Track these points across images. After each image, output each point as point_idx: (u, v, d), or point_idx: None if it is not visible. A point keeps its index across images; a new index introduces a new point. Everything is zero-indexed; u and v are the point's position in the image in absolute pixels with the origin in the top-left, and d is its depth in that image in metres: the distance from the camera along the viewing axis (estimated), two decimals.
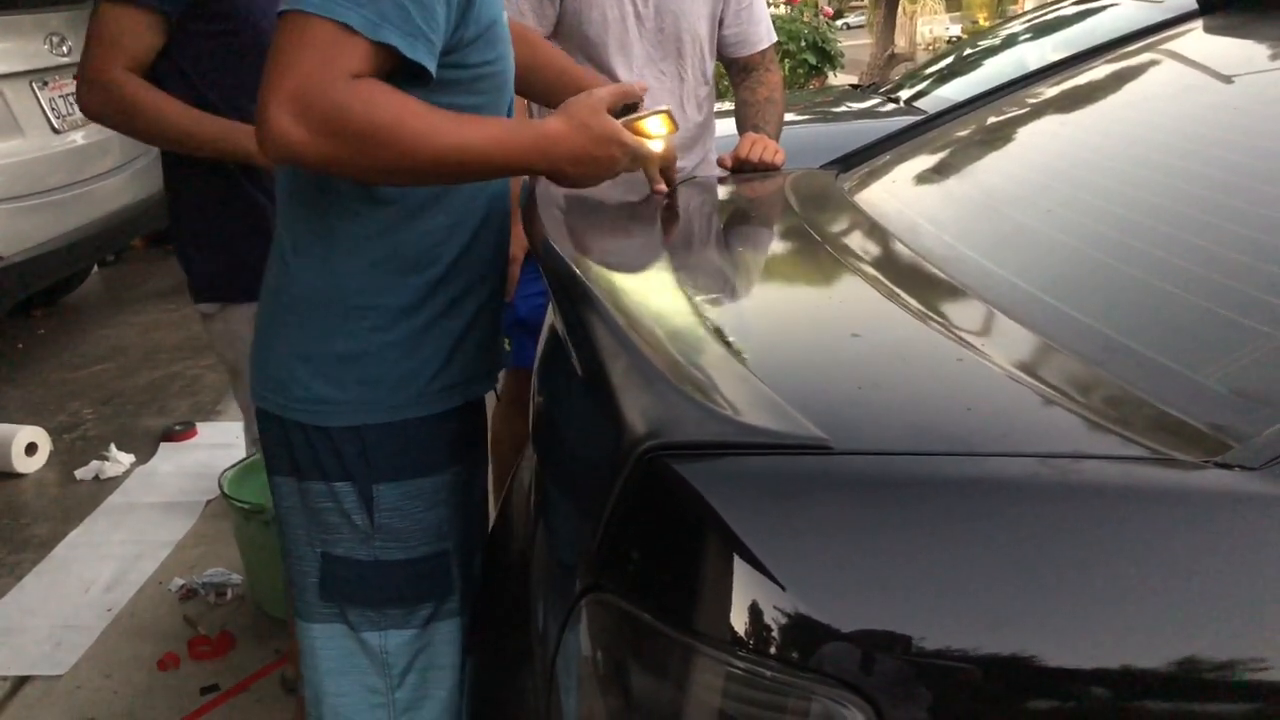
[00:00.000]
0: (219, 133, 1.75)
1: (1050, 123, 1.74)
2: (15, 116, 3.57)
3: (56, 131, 3.75)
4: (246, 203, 1.85)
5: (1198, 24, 1.79)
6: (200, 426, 3.54)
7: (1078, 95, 1.77)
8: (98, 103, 1.76)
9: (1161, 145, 1.36)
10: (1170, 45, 1.77)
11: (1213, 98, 1.50)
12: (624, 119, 1.26)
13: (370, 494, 1.26)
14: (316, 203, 1.23)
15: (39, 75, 3.72)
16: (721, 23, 2.23)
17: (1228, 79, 1.57)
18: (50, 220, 3.66)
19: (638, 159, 1.27)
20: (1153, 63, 1.77)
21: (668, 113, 1.33)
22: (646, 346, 0.86)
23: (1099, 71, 1.81)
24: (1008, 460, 0.75)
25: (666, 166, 1.47)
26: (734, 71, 2.30)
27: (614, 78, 2.13)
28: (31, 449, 3.27)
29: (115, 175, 4.06)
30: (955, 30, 24.90)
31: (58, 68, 3.82)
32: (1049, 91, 1.83)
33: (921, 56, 16.26)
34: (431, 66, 1.10)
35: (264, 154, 1.08)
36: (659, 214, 1.47)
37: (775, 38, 2.35)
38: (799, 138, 2.97)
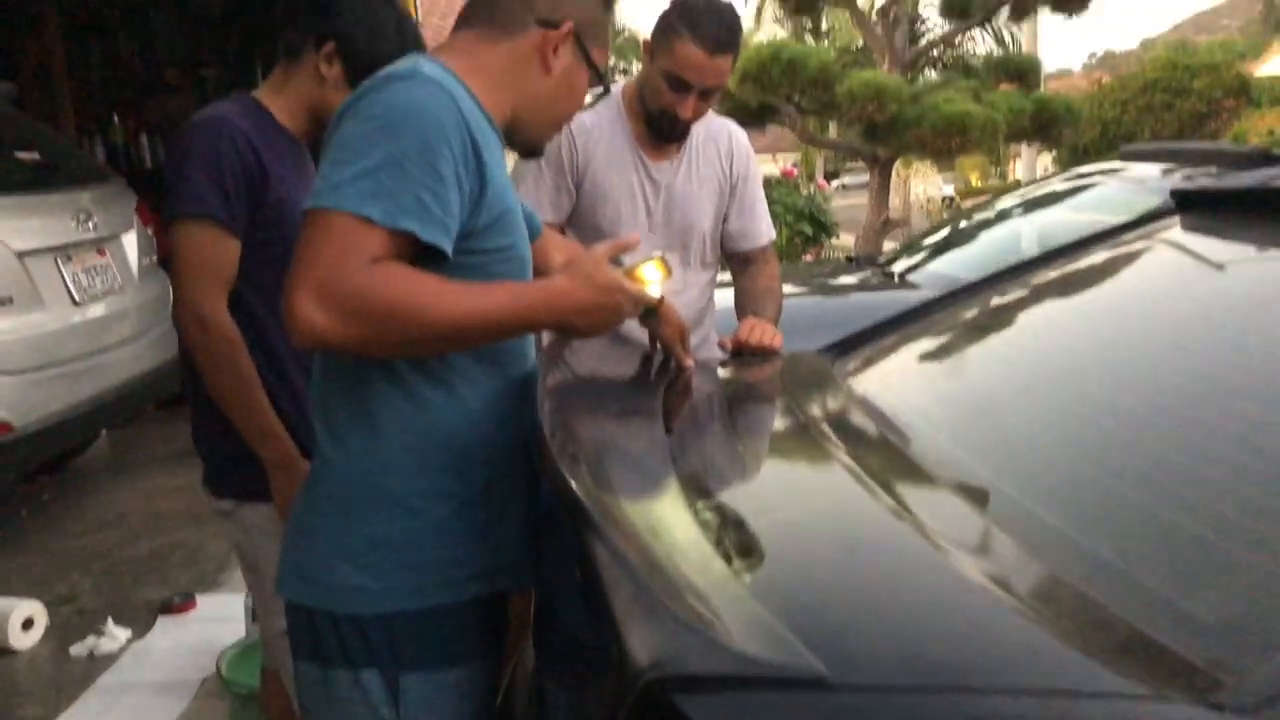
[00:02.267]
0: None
1: (1044, 318, 1.80)
2: (38, 290, 3.68)
3: (76, 304, 3.86)
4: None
5: (1175, 220, 1.87)
6: (200, 598, 3.50)
7: (1070, 289, 1.84)
8: (198, 334, 1.77)
9: (1152, 349, 1.40)
10: (1154, 238, 1.84)
11: (1201, 297, 1.56)
12: (625, 267, 1.39)
13: (397, 684, 1.27)
14: (351, 391, 1.30)
15: (64, 250, 3.85)
16: (725, 218, 2.35)
17: (1216, 273, 1.64)
18: (65, 390, 3.72)
19: (639, 302, 1.37)
20: (1141, 257, 1.84)
21: (661, 259, 1.47)
22: (647, 570, 0.88)
23: (1087, 264, 1.88)
24: (1007, 698, 0.76)
25: (684, 337, 1.65)
26: (735, 262, 2.41)
27: (617, 263, 2.24)
28: (28, 624, 3.24)
29: (131, 344, 4.15)
30: (949, 190, 25.73)
31: (82, 243, 3.96)
32: (1042, 282, 1.90)
33: (917, 218, 16.77)
34: (447, 247, 1.20)
35: (292, 341, 1.16)
36: (662, 409, 1.51)
37: (774, 235, 2.46)
38: (795, 312, 3.04)
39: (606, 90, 1.49)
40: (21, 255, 3.62)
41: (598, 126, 2.20)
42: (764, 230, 2.40)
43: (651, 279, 1.45)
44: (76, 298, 3.87)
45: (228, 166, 1.75)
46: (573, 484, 1.00)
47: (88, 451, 5.16)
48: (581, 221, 2.24)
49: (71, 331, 3.81)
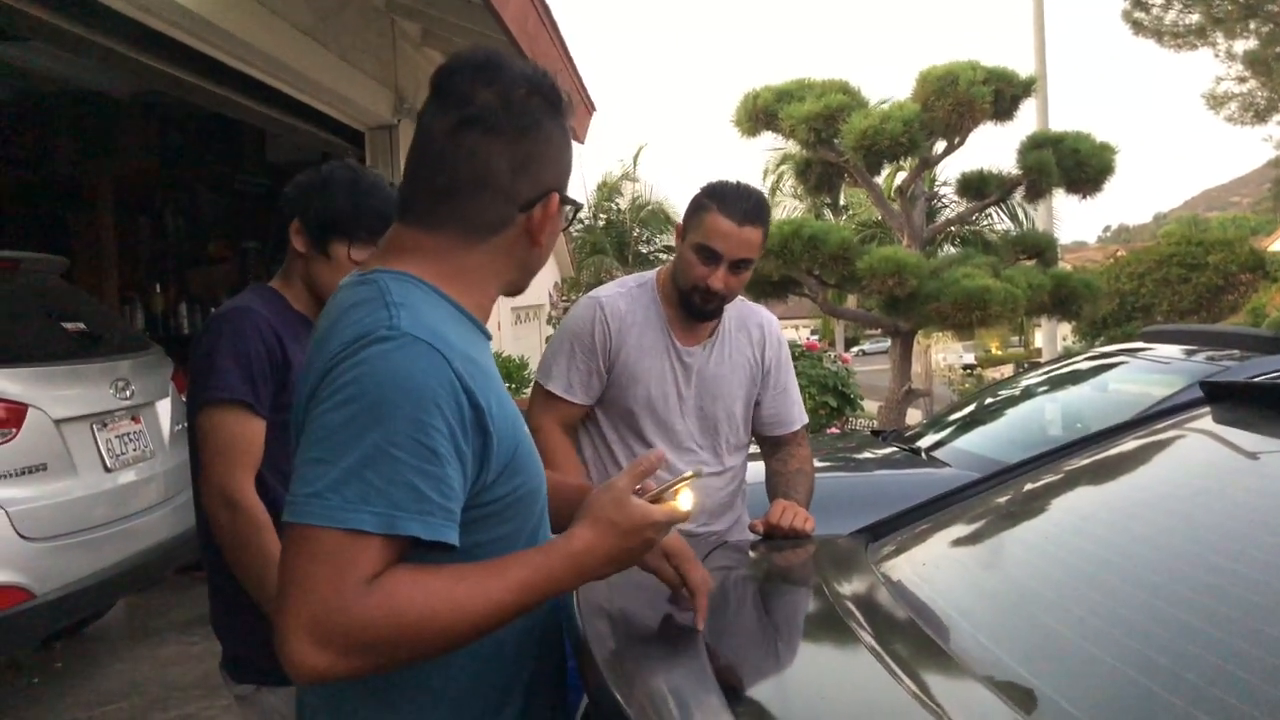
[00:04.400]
0: None
1: (1078, 508, 1.79)
2: (72, 457, 3.73)
3: (108, 470, 3.90)
4: None
5: (1206, 411, 1.89)
6: None
7: (1103, 477, 1.84)
8: (226, 516, 1.79)
9: (1187, 543, 1.39)
10: (1186, 428, 1.85)
11: (1236, 489, 1.55)
12: (652, 495, 1.23)
13: None
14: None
15: (99, 418, 3.92)
16: (759, 404, 2.37)
17: (1249, 465, 1.64)
18: (89, 557, 3.72)
19: (671, 526, 1.21)
20: (1172, 447, 1.84)
21: (694, 474, 1.29)
22: None
23: (1120, 452, 1.88)
24: None
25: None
26: (766, 446, 2.42)
27: (648, 445, 2.25)
28: None
29: (156, 511, 4.17)
30: (969, 358, 25.92)
31: (118, 410, 4.03)
32: (1076, 470, 1.90)
33: (938, 386, 16.84)
34: (453, 540, 1.06)
35: (290, 677, 1.04)
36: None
37: (806, 419, 2.48)
38: (823, 490, 3.05)
39: (578, 209, 1.35)
40: (59, 423, 3.69)
41: (631, 311, 2.26)
42: (797, 415, 2.42)
43: (681, 494, 1.29)
44: (108, 464, 3.92)
45: (254, 353, 1.84)
46: (617, 694, 0.99)
47: (104, 616, 5.11)
48: (612, 403, 2.28)
49: (101, 498, 3.83)
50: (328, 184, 1.94)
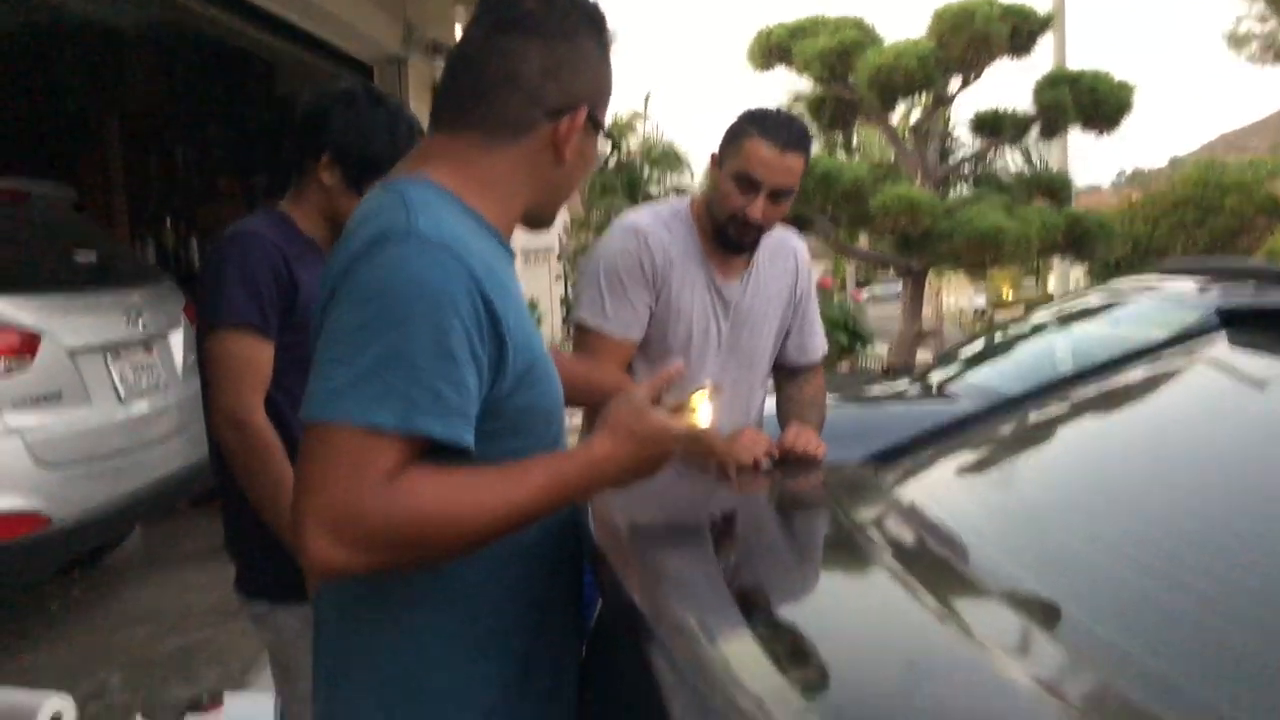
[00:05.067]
0: None
1: (1087, 432, 1.79)
2: (86, 387, 3.75)
3: (121, 400, 3.93)
4: None
5: (1222, 335, 1.88)
6: (227, 697, 3.45)
7: (1116, 403, 1.84)
8: (235, 438, 1.80)
9: (1201, 465, 1.40)
10: (1200, 355, 1.84)
11: (1245, 414, 1.55)
12: (670, 405, 1.23)
13: None
14: (371, 581, 1.16)
15: (113, 348, 3.94)
16: (786, 335, 2.33)
17: (1265, 389, 1.63)
18: (104, 485, 3.76)
19: (689, 438, 1.21)
20: (1186, 372, 1.84)
21: (712, 386, 1.30)
22: (705, 684, 0.87)
23: (1134, 378, 1.88)
24: None
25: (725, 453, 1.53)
26: (781, 374, 2.39)
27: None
28: (57, 719, 3.20)
29: (171, 440, 4.20)
30: (980, 301, 25.80)
31: (131, 341, 4.05)
32: (1086, 396, 1.90)
33: (949, 328, 16.79)
34: (469, 441, 1.07)
35: (307, 574, 1.06)
36: (712, 519, 1.50)
37: (826, 349, 2.44)
38: (835, 421, 3.05)
39: (616, 147, 1.42)
40: (73, 352, 3.71)
41: (673, 244, 2.16)
42: (820, 345, 2.39)
43: (699, 406, 1.30)
44: (122, 394, 3.94)
45: (261, 276, 1.83)
46: (633, 594, 1.00)
47: (121, 546, 5.18)
48: (649, 342, 2.19)
49: (115, 427, 3.87)
50: (362, 121, 1.91)
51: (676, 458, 1.23)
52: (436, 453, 1.06)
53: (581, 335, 2.17)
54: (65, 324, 3.72)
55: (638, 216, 2.22)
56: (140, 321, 4.11)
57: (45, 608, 4.43)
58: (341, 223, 1.89)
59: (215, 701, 3.41)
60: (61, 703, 3.24)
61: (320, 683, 1.23)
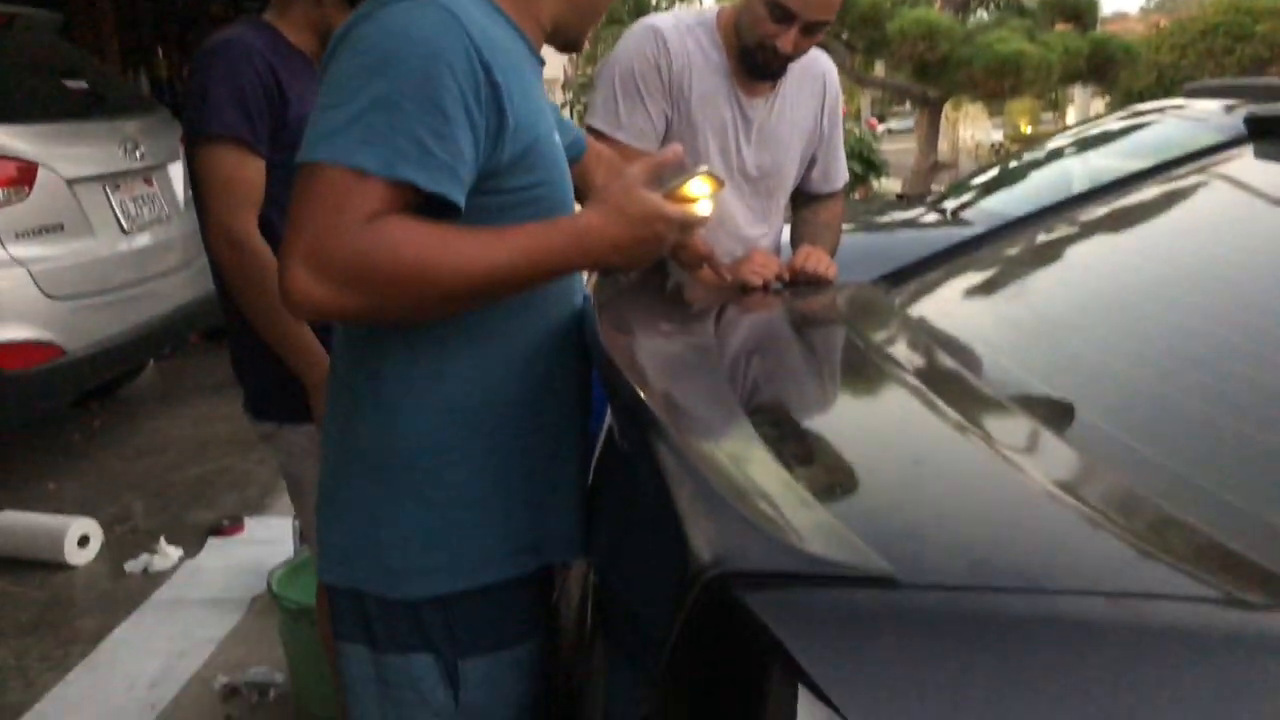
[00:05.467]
0: None
1: (1102, 245, 1.75)
2: (88, 218, 3.72)
3: (125, 232, 3.90)
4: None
5: (1248, 148, 1.81)
6: (248, 521, 3.57)
7: (1130, 218, 1.79)
8: (230, 256, 1.76)
9: (1215, 273, 1.37)
10: (1222, 169, 1.79)
11: (1266, 226, 1.51)
12: (666, 189, 1.18)
13: (455, 670, 1.19)
14: (366, 357, 1.19)
15: (112, 179, 3.88)
16: (811, 162, 2.24)
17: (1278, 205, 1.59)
18: (114, 317, 3.78)
19: (686, 227, 1.18)
20: (1205, 186, 1.79)
21: (709, 173, 1.22)
22: (712, 473, 0.87)
23: (1152, 193, 1.83)
24: (1077, 598, 0.74)
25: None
26: (799, 199, 2.32)
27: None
28: (84, 541, 3.32)
29: (178, 273, 4.20)
30: (998, 136, 25.20)
31: (130, 172, 3.99)
32: (1100, 213, 1.85)
33: (965, 163, 16.48)
34: (457, 197, 1.06)
35: (290, 313, 1.06)
36: (720, 331, 1.49)
37: (848, 177, 2.36)
38: (848, 247, 3.01)
39: None
40: (71, 183, 3.66)
41: (696, 52, 2.03)
42: (842, 172, 2.30)
43: (700, 194, 1.22)
44: (125, 226, 3.91)
45: (248, 86, 1.73)
46: (638, 388, 0.99)
47: (136, 381, 5.26)
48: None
49: (120, 259, 3.85)
50: None
51: (668, 251, 1.21)
52: (430, 213, 1.06)
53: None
54: (61, 154, 3.66)
55: (659, 19, 2.08)
56: (138, 152, 4.03)
57: (68, 438, 4.53)
58: (330, 36, 1.80)
59: (236, 525, 3.53)
60: (88, 526, 3.35)
61: (325, 471, 1.26)
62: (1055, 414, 1.13)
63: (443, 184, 1.04)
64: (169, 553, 3.30)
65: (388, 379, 1.17)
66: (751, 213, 2.18)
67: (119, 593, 3.12)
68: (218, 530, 3.50)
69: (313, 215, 1.02)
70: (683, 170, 1.22)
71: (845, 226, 3.48)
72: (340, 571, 1.22)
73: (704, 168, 1.21)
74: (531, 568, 1.23)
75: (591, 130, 2.07)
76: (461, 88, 1.04)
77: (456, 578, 1.18)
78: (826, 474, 1.00)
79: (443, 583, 1.18)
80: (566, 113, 9.01)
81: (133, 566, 3.25)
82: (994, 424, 1.10)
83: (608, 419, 1.36)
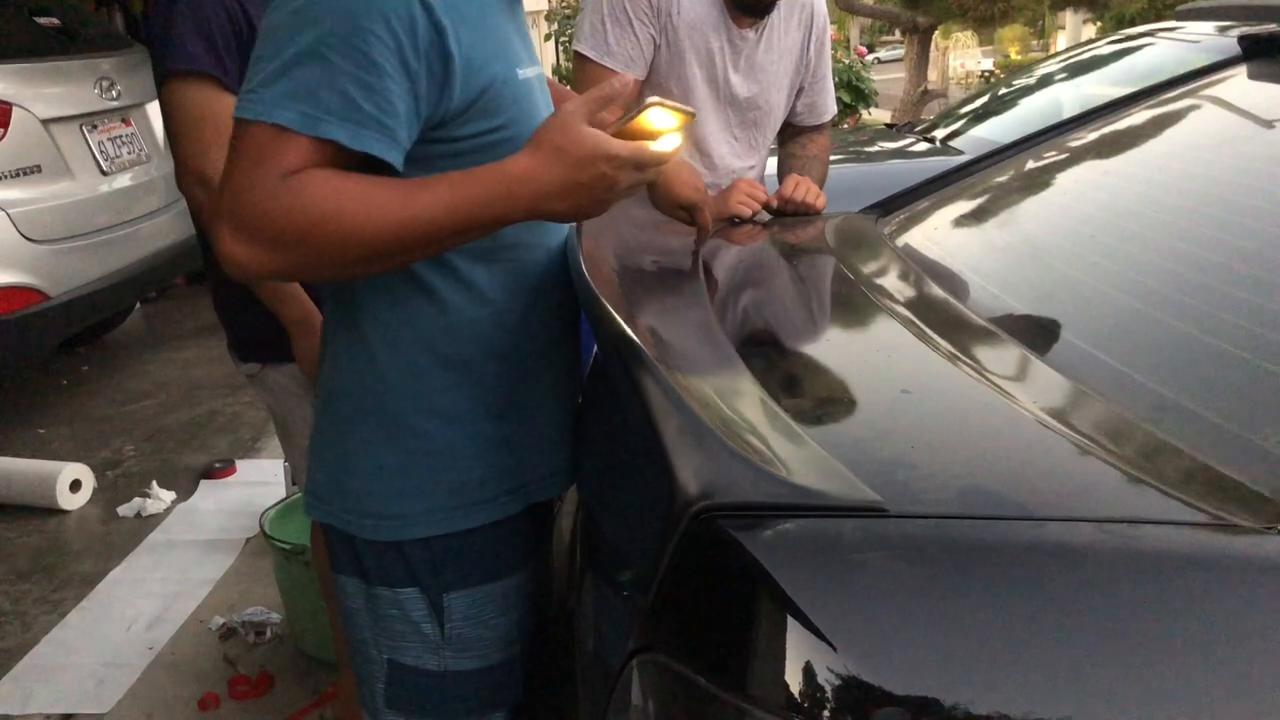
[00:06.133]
0: None
1: (1093, 170, 1.73)
2: (65, 159, 3.66)
3: (105, 174, 3.84)
4: None
5: (1241, 69, 1.78)
6: (239, 464, 3.57)
7: (1121, 142, 1.77)
8: (202, 195, 1.71)
9: (1208, 196, 1.35)
10: (1215, 90, 1.76)
11: (1259, 146, 1.49)
12: (617, 121, 1.04)
13: (441, 604, 1.19)
14: (338, 301, 1.17)
15: (89, 119, 3.81)
16: (798, 94, 2.21)
17: (1273, 126, 1.56)
18: (96, 260, 3.74)
19: (643, 166, 1.03)
20: (1198, 108, 1.76)
21: (661, 102, 1.04)
22: (698, 405, 0.86)
23: (1143, 117, 1.80)
24: (1066, 525, 0.74)
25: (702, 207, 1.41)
26: (786, 132, 2.29)
27: (693, 140, 2.10)
28: (75, 486, 3.32)
29: (160, 215, 4.14)
30: (988, 64, 24.95)
31: (107, 111, 3.91)
32: (1091, 137, 1.83)
33: (955, 91, 16.32)
34: (386, 153, 1.00)
35: (228, 273, 1.02)
36: (707, 264, 1.47)
37: (836, 109, 2.33)
38: (838, 178, 2.97)
39: None
40: (47, 123, 3.59)
41: None
42: (830, 105, 2.27)
43: (662, 126, 1.05)
44: (104, 167, 3.85)
45: (215, 20, 1.68)
46: (622, 321, 0.97)
47: (123, 325, 5.22)
48: (655, 88, 2.03)
49: (100, 201, 3.80)
50: None
51: (631, 186, 1.04)
52: (371, 168, 1.00)
53: (581, 67, 2.03)
54: (35, 94, 3.59)
55: None
56: (114, 91, 3.95)
57: (56, 384, 4.51)
58: None
59: (227, 467, 3.53)
60: (79, 471, 3.35)
61: (316, 409, 1.25)
62: (1045, 341, 1.12)
63: (368, 141, 0.98)
64: (162, 496, 3.31)
65: (362, 321, 1.15)
66: (738, 144, 2.16)
67: (113, 536, 3.13)
68: (209, 473, 3.50)
69: (234, 174, 0.98)
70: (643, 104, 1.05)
71: (834, 157, 3.44)
72: (323, 510, 1.22)
73: (654, 98, 1.04)
74: (516, 509, 1.22)
75: (578, 56, 2.03)
76: (398, 38, 0.97)
77: (433, 523, 1.17)
78: (814, 405, 0.99)
79: (419, 528, 1.17)
80: (551, 45, 8.81)
81: (125, 510, 3.26)
82: (983, 352, 1.10)
83: (595, 351, 1.35)
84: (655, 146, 1.03)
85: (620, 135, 1.02)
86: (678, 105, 1.04)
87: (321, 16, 0.96)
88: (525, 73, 1.14)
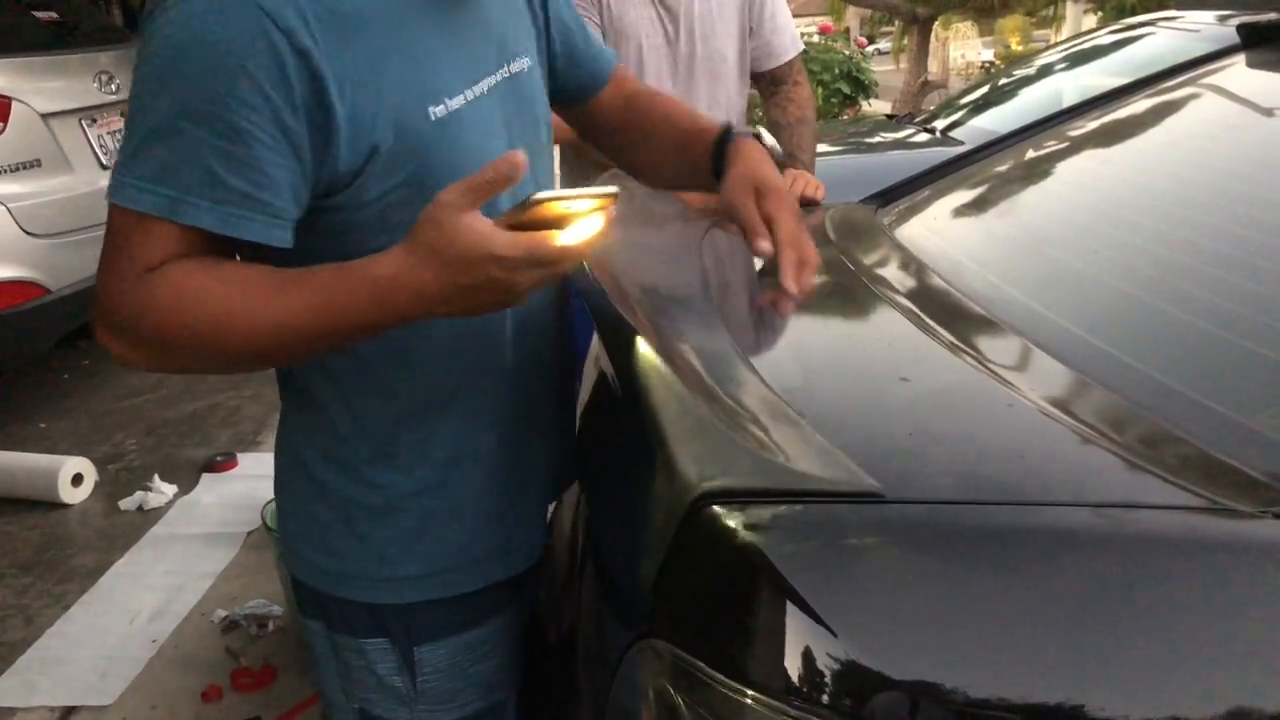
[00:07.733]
0: None
1: (1092, 159, 1.73)
2: (65, 153, 3.66)
3: (104, 167, 3.84)
4: None
5: (1240, 57, 1.78)
6: (241, 457, 3.58)
7: (1120, 131, 1.77)
8: None
9: (1207, 184, 1.35)
10: (1213, 79, 1.76)
11: (1258, 134, 1.49)
12: (509, 213, 0.82)
13: (411, 656, 1.09)
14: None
15: (88, 113, 3.81)
16: (750, 34, 2.21)
17: (1272, 114, 1.56)
18: (97, 254, 3.72)
19: (546, 264, 0.83)
20: (1196, 97, 1.76)
21: (560, 195, 0.82)
22: (699, 393, 0.87)
23: (1142, 106, 1.80)
24: (1062, 510, 0.75)
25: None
26: (763, 86, 2.29)
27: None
28: (77, 480, 3.32)
29: None
30: (988, 55, 24.83)
31: (105, 105, 3.91)
32: (1091, 126, 1.83)
33: (955, 82, 16.27)
34: (266, 236, 0.86)
35: None
36: (707, 254, 1.47)
37: (801, 47, 2.32)
38: (836, 169, 2.97)
39: None
40: (46, 117, 3.59)
41: None
42: (788, 44, 2.25)
43: (573, 209, 0.83)
44: (104, 161, 3.85)
45: None
46: (622, 310, 0.98)
47: None
48: None
49: (101, 195, 3.76)
50: None
51: (530, 288, 0.85)
52: (251, 244, 0.87)
53: None
54: (34, 88, 3.59)
55: None
56: (113, 84, 3.95)
57: (57, 378, 4.51)
58: None
59: (229, 460, 3.54)
60: (81, 464, 3.35)
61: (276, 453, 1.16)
62: (1044, 329, 1.12)
63: (238, 225, 0.85)
64: (163, 489, 3.31)
65: (285, 414, 1.08)
66: (703, 102, 2.16)
67: (115, 530, 3.13)
68: (211, 466, 3.50)
69: (102, 262, 0.88)
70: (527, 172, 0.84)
71: (834, 148, 3.43)
72: (293, 564, 1.13)
73: (541, 194, 0.81)
74: (496, 577, 1.12)
75: None
76: (264, 91, 0.82)
77: (403, 591, 1.08)
78: (813, 393, 0.99)
79: (385, 595, 1.08)
80: None
81: (127, 504, 3.26)
82: (982, 340, 1.10)
83: (594, 343, 1.36)
84: (565, 237, 0.83)
85: (519, 226, 0.82)
86: (583, 191, 0.83)
87: (172, 78, 0.82)
88: (458, 101, 0.95)
